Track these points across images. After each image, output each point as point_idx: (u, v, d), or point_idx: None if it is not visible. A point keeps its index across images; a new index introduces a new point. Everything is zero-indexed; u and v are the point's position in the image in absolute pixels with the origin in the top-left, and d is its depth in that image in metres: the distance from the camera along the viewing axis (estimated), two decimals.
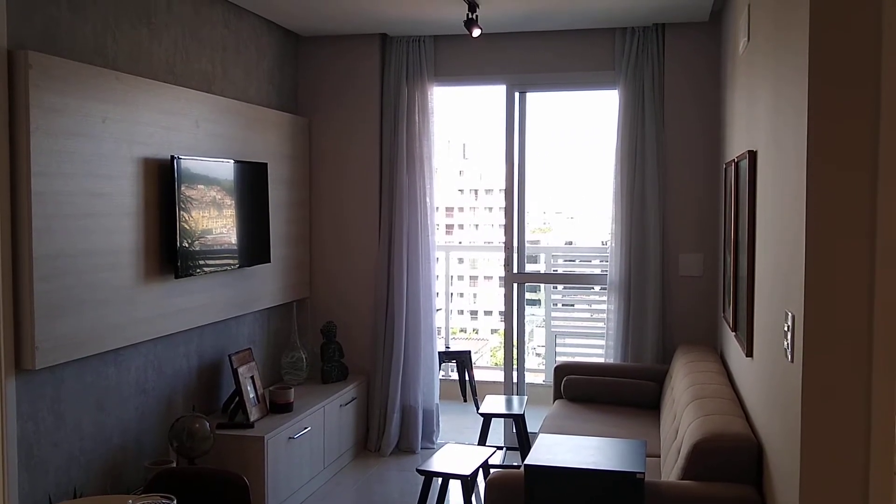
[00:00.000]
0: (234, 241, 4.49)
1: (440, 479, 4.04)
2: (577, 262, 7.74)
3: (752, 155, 3.26)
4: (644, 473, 2.87)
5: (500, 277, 6.14)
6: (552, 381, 5.19)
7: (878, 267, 2.11)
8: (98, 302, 3.53)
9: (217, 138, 4.43)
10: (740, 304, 3.55)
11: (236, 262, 4.53)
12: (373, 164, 5.51)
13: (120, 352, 3.79)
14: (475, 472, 3.94)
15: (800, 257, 2.23)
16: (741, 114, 3.82)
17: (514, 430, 5.00)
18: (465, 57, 5.43)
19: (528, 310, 6.21)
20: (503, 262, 5.56)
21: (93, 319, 3.50)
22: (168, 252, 3.96)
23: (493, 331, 11.50)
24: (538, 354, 8.00)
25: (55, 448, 3.43)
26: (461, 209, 14.25)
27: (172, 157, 3.92)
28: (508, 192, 5.53)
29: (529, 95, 5.57)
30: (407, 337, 5.45)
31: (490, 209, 14.03)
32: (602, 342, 5.46)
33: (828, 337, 2.17)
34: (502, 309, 5.66)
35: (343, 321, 5.53)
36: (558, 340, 7.22)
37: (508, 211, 5.54)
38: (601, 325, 5.90)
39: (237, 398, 4.37)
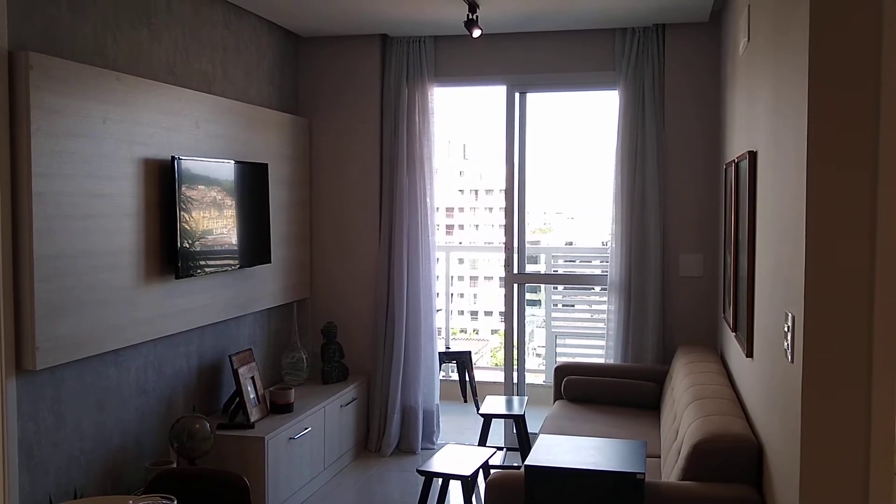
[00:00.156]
0: (234, 242, 4.50)
1: (440, 480, 4.04)
2: (577, 262, 7.74)
3: (753, 155, 3.26)
4: (644, 474, 2.87)
5: (500, 278, 6.13)
6: (552, 381, 5.19)
7: (878, 267, 2.11)
8: (98, 302, 3.53)
9: (217, 139, 4.43)
10: (740, 304, 3.55)
11: (237, 262, 4.53)
12: (373, 164, 5.51)
13: (120, 352, 3.79)
14: (475, 473, 3.94)
15: (800, 258, 2.23)
16: (741, 114, 3.82)
17: (515, 431, 5.00)
18: (465, 57, 5.43)
19: (529, 310, 6.21)
20: (503, 263, 5.56)
21: (93, 320, 3.50)
22: (168, 253, 3.96)
23: (494, 331, 11.48)
24: (538, 355, 7.99)
25: (55, 448, 3.43)
26: (461, 209, 14.24)
27: (173, 158, 3.92)
28: (509, 193, 5.53)
29: (530, 96, 5.57)
30: (407, 337, 5.45)
31: (490, 209, 14.03)
32: (602, 343, 5.46)
33: (828, 337, 2.17)
34: (502, 309, 5.66)
35: (343, 321, 5.54)
36: (558, 341, 7.22)
37: (509, 211, 5.53)
38: (601, 325, 5.90)
39: (237, 399, 4.37)
